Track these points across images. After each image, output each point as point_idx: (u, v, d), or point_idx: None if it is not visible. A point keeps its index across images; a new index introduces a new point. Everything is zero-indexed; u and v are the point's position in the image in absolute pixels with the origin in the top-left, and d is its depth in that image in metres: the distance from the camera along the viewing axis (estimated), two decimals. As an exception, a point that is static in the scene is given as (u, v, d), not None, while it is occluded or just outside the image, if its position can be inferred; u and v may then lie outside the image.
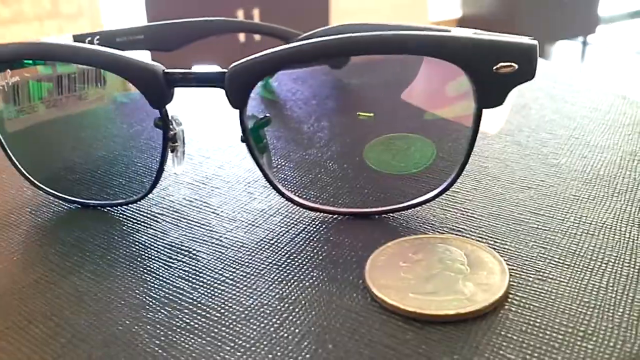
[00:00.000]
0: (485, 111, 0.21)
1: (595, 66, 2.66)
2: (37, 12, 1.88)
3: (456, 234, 0.21)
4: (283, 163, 0.26)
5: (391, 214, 0.23)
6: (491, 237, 0.21)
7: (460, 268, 0.19)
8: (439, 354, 0.16)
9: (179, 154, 0.23)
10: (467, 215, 0.22)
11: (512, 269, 0.19)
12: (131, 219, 0.23)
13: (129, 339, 0.17)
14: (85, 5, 1.98)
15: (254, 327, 0.17)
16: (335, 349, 0.16)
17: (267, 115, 0.22)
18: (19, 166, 0.25)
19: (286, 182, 0.24)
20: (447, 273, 0.19)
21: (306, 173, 0.25)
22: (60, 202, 0.25)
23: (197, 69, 0.27)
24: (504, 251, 0.20)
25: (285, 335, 0.17)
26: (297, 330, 0.17)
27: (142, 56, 0.21)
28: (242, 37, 2.04)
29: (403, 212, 0.23)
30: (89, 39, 0.28)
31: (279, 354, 0.16)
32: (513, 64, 0.20)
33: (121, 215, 0.24)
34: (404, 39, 0.20)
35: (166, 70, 0.21)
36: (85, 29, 2.00)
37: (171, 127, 0.22)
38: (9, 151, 0.25)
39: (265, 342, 0.17)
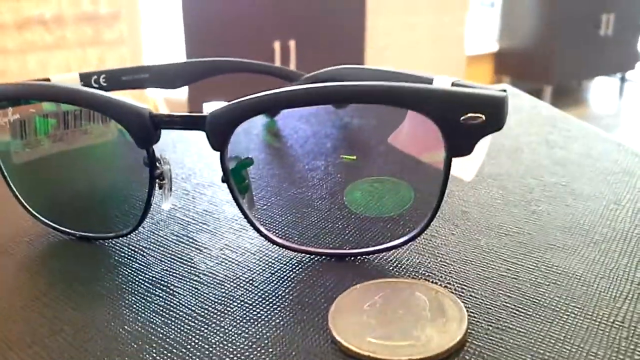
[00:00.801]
0: (455, 159, 0.21)
1: (634, 103, 2.62)
2: (79, 38, 1.94)
3: (425, 279, 0.22)
4: (268, 203, 0.26)
5: (366, 256, 0.23)
6: (459, 284, 0.21)
7: (421, 314, 0.19)
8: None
9: (166, 191, 0.24)
10: (440, 260, 0.23)
11: (473, 317, 0.20)
12: (119, 252, 0.24)
13: (96, 370, 0.18)
14: (126, 32, 2.04)
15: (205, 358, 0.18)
16: (288, 390, 0.17)
17: (249, 157, 0.23)
18: (20, 197, 0.26)
19: (267, 222, 0.24)
20: (407, 318, 0.19)
21: (288, 213, 0.25)
22: (57, 233, 0.26)
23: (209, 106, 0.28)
24: (469, 298, 0.20)
25: (243, 373, 0.18)
26: (255, 369, 0.18)
27: (129, 99, 0.23)
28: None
29: (378, 254, 0.23)
30: (95, 77, 0.30)
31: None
32: (480, 115, 0.20)
33: (111, 248, 0.25)
34: (372, 90, 0.20)
35: (152, 113, 0.22)
36: (126, 56, 2.06)
37: (158, 165, 0.23)
38: (10, 183, 0.26)
39: (222, 380, 0.18)
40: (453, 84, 0.24)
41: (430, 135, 0.21)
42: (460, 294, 0.21)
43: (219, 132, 0.22)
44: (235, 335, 0.19)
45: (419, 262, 0.23)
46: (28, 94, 0.23)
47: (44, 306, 0.21)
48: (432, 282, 0.22)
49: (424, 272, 0.22)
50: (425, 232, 0.25)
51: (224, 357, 0.18)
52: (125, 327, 0.20)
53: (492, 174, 0.30)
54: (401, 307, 0.20)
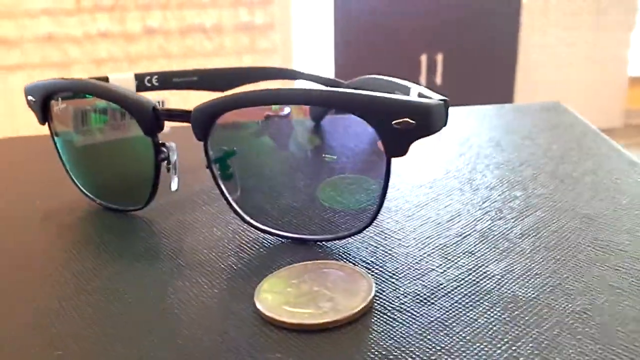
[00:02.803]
0: (395, 160, 0.24)
1: None
2: (236, 47, 2.09)
3: (359, 264, 0.24)
4: (253, 191, 0.29)
5: (323, 242, 0.26)
6: (388, 272, 0.24)
7: (336, 289, 0.22)
8: (270, 351, 0.20)
9: (172, 174, 0.29)
10: (381, 250, 0.25)
11: (381, 299, 0.22)
12: (135, 222, 0.29)
13: (76, 302, 0.23)
14: (279, 42, 2.16)
15: (150, 308, 0.22)
16: (190, 337, 0.21)
17: (234, 148, 0.27)
18: (71, 174, 0.32)
19: (244, 206, 0.28)
20: (321, 292, 0.22)
21: (267, 201, 0.29)
22: (93, 204, 0.31)
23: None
24: (391, 285, 0.23)
25: (171, 318, 0.22)
26: (181, 318, 0.22)
27: (139, 95, 0.27)
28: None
29: (332, 241, 0.26)
30: (148, 77, 0.35)
31: (155, 331, 0.21)
32: (410, 120, 0.23)
33: (130, 218, 0.30)
34: (321, 95, 0.23)
35: (155, 107, 0.27)
36: (276, 64, 2.17)
37: (162, 150, 0.28)
38: (65, 163, 0.32)
39: (151, 321, 0.21)
40: (419, 95, 0.27)
41: (373, 137, 0.24)
42: (387, 280, 0.23)
43: (200, 125, 0.26)
44: (185, 293, 0.23)
45: (365, 250, 0.25)
46: (65, 88, 0.29)
47: (70, 260, 0.26)
48: (364, 267, 0.24)
49: (362, 258, 0.25)
50: (386, 227, 0.27)
51: (166, 297, 0.22)
52: (116, 275, 0.25)
53: (487, 183, 0.31)
54: (321, 284, 0.23)
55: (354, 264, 0.25)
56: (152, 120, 0.27)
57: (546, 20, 2.37)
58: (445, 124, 0.24)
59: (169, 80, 0.36)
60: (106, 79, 0.34)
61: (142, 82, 0.35)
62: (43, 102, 0.30)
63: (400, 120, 0.23)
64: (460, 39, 2.30)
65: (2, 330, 0.21)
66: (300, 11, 2.21)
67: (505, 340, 0.19)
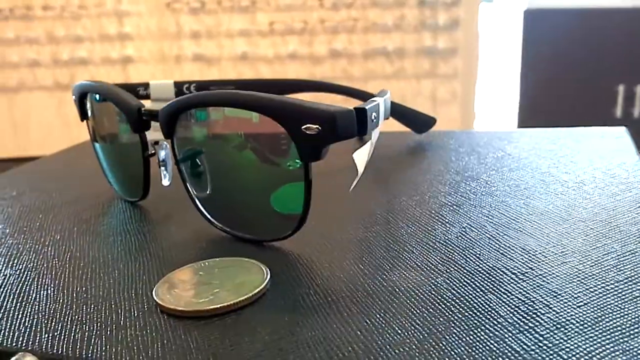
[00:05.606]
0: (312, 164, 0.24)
1: None
2: (416, 71, 2.11)
3: (277, 264, 0.25)
4: (209, 189, 0.30)
5: (263, 242, 0.27)
6: (294, 274, 0.24)
7: (228, 283, 0.23)
8: (137, 328, 0.21)
9: (163, 170, 0.31)
10: (295, 252, 0.26)
11: (270, 297, 0.22)
12: (135, 209, 0.33)
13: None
14: (460, 68, 2.14)
15: (78, 273, 0.25)
16: (86, 300, 0.23)
17: (202, 149, 0.29)
18: (103, 168, 0.36)
19: (205, 202, 0.29)
20: (214, 284, 0.23)
21: (226, 200, 0.30)
22: (112, 193, 0.35)
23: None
24: (288, 287, 0.23)
25: (89, 283, 0.24)
26: (97, 284, 0.24)
27: (132, 97, 0.30)
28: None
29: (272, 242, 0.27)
30: (187, 85, 0.38)
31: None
32: (316, 126, 0.23)
33: (131, 207, 0.33)
34: (243, 98, 0.25)
35: (140, 108, 0.30)
36: (457, 91, 2.15)
37: (150, 147, 0.31)
38: (99, 158, 0.36)
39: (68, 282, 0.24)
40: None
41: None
42: (283, 279, 0.24)
43: (167, 123, 0.28)
44: (118, 264, 0.26)
45: (286, 250, 0.26)
46: (83, 89, 0.33)
47: (70, 228, 0.30)
48: (278, 267, 0.25)
49: (278, 259, 0.25)
50: (319, 232, 0.28)
51: (97, 267, 0.25)
52: (86, 243, 0.28)
53: (450, 202, 0.30)
54: (219, 277, 0.24)
55: (267, 262, 0.25)
56: (138, 118, 0.30)
57: None
58: (359, 131, 0.24)
59: (206, 89, 0.39)
60: (147, 85, 0.38)
61: (181, 89, 0.39)
62: (79, 101, 0.35)
63: (307, 125, 0.23)
64: (666, 70, 2.10)
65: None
66: (486, 37, 2.17)
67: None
